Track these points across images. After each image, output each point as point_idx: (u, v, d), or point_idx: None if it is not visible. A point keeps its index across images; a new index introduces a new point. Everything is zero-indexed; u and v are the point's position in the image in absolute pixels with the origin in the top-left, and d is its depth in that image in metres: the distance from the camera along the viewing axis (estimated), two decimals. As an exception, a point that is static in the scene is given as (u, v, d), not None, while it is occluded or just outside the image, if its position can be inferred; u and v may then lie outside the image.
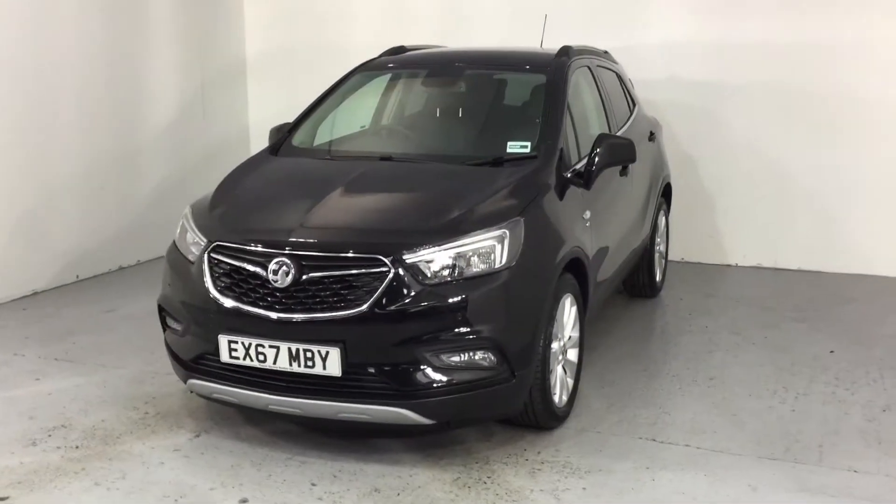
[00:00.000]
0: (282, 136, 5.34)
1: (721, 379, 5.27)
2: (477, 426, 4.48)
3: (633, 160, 5.14)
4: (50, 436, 4.49)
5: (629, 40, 7.85)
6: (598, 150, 4.96)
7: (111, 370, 5.39)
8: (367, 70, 5.76)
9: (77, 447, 4.37)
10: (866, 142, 7.53)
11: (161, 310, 4.58)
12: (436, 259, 4.00)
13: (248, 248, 4.16)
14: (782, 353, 5.73)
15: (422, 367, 3.96)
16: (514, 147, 4.86)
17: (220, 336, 4.10)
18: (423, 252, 4.00)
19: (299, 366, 3.98)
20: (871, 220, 7.61)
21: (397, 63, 5.83)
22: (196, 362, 4.31)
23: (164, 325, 4.60)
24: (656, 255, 6.84)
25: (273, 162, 5.11)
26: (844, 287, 7.35)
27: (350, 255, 4.01)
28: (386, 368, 3.97)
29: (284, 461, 4.22)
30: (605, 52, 6.56)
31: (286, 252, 4.04)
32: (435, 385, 3.98)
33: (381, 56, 5.91)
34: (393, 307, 3.92)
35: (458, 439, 4.42)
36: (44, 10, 6.96)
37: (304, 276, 3.99)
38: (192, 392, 4.53)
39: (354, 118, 5.74)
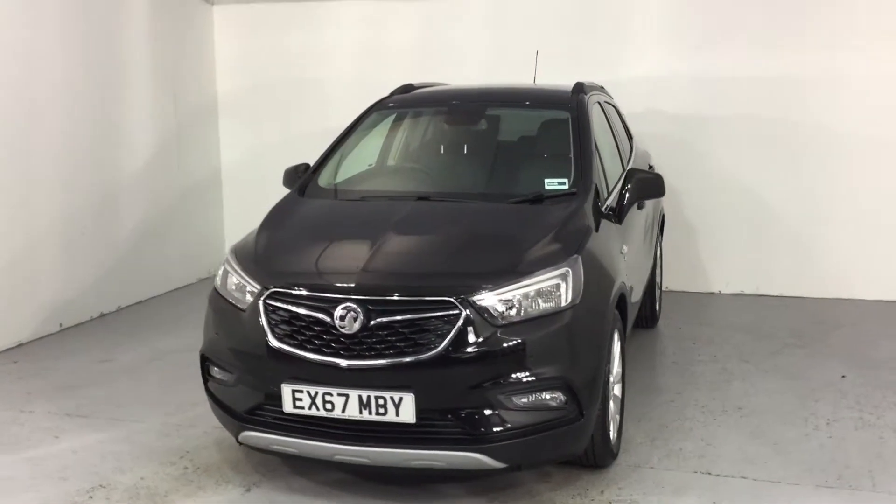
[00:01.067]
0: (306, 177, 5.24)
1: (749, 408, 5.33)
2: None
3: (662, 194, 5.20)
4: (91, 497, 4.29)
5: (611, 74, 7.96)
6: (629, 185, 5.01)
7: (130, 424, 5.18)
8: (384, 109, 5.72)
9: (125, 508, 4.18)
10: (840, 170, 7.79)
11: (205, 360, 4.42)
12: (504, 300, 3.96)
13: (310, 294, 4.05)
14: (796, 379, 5.83)
15: (494, 410, 3.91)
16: (552, 184, 4.87)
17: (283, 386, 3.98)
18: (491, 293, 3.96)
19: (370, 413, 3.89)
20: (847, 245, 7.85)
21: (415, 101, 5.81)
22: (252, 414, 4.17)
23: (207, 376, 4.44)
24: (656, 286, 6.92)
25: (307, 204, 5.01)
26: (828, 312, 7.55)
27: (420, 298, 3.94)
28: (459, 413, 3.91)
29: (349, 513, 4.11)
30: (602, 88, 6.65)
31: (353, 297, 3.96)
32: (507, 428, 3.93)
33: (392, 94, 5.88)
34: (465, 350, 3.87)
35: (517, 482, 4.37)
36: (23, 58, 6.73)
37: (373, 322, 3.91)
38: (241, 444, 4.37)
39: (376, 157, 5.68)
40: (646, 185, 5.06)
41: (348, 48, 8.81)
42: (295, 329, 4.03)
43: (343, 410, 3.92)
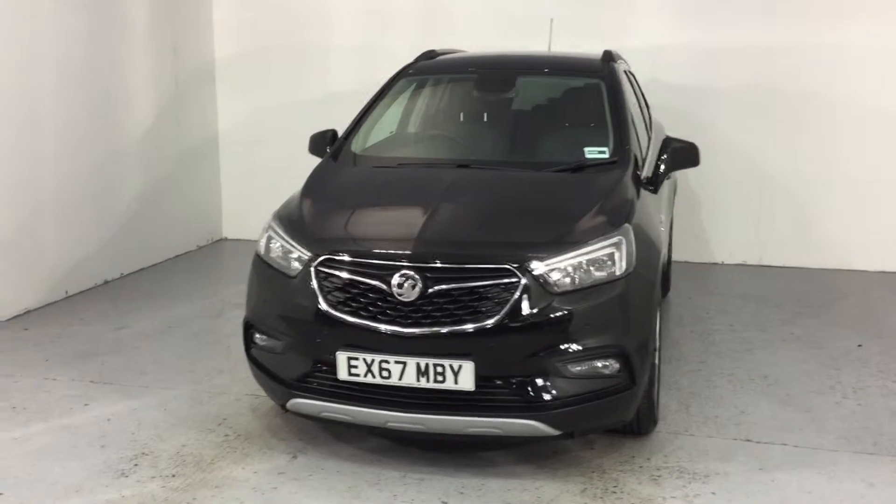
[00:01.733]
0: (339, 143, 5.17)
1: (775, 377, 5.40)
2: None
3: (697, 163, 5.20)
4: (136, 465, 4.24)
5: (614, 44, 7.92)
6: (664, 154, 5.01)
7: (160, 391, 5.12)
8: (413, 75, 5.65)
9: (173, 475, 4.13)
10: (841, 140, 7.87)
11: (249, 327, 4.37)
12: (560, 269, 3.96)
13: (366, 261, 4.02)
14: (815, 348, 5.91)
15: (551, 377, 3.91)
16: (593, 153, 4.87)
17: (338, 353, 3.95)
18: (548, 262, 3.95)
19: (428, 381, 3.87)
20: (846, 216, 7.96)
21: (445, 67, 5.75)
22: (302, 381, 4.13)
23: (250, 344, 4.39)
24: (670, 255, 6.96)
25: (345, 170, 4.95)
26: (832, 282, 7.66)
27: (479, 266, 3.93)
28: (517, 380, 3.91)
29: (400, 479, 4.10)
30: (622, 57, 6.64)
31: (411, 265, 3.92)
32: (563, 395, 3.94)
33: (417, 61, 5.81)
34: (524, 318, 3.87)
35: (562, 449, 4.39)
36: (24, 26, 6.56)
37: (430, 289, 3.89)
38: (286, 412, 4.33)
39: (406, 124, 5.62)
40: (682, 154, 5.06)
41: (351, 13, 8.70)
42: (350, 296, 3.99)
43: (400, 378, 3.90)
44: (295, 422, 4.58)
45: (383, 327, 3.91)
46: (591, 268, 4.01)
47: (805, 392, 5.16)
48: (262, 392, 4.64)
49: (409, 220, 4.27)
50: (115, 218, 7.62)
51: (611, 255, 4.05)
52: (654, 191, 4.97)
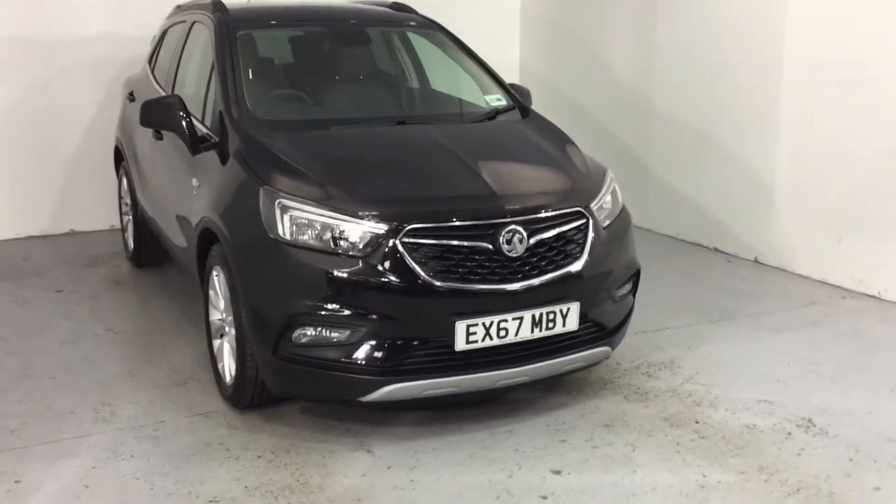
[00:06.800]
0: (236, 109, 4.54)
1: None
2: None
3: None
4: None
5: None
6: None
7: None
8: (238, 29, 5.05)
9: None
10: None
11: (296, 325, 3.82)
12: (600, 206, 4.31)
13: (465, 223, 3.87)
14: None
15: (610, 303, 4.28)
16: (492, 100, 5.11)
17: (456, 323, 3.79)
18: (595, 201, 4.28)
19: (540, 330, 3.96)
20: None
21: (266, 18, 5.31)
22: (398, 364, 3.83)
23: (288, 344, 3.85)
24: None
25: (300, 136, 4.45)
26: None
27: (562, 212, 4.08)
28: (599, 312, 4.19)
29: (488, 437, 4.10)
30: None
31: (515, 220, 3.92)
32: (618, 319, 4.35)
33: (222, 12, 5.20)
34: (600, 253, 4.15)
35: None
36: None
37: (532, 241, 3.95)
38: (362, 406, 3.96)
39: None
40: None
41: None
42: (452, 263, 3.83)
43: (516, 334, 3.91)
44: (306, 420, 4.19)
45: (494, 287, 3.86)
46: (610, 203, 4.42)
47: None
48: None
49: (460, 177, 4.16)
50: None
51: (615, 191, 4.51)
52: None
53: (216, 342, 4.48)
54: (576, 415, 4.30)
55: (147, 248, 6.44)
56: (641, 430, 4.14)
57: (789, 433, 4.12)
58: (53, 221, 7.61)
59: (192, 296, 5.82)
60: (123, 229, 6.86)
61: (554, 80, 8.73)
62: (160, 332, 5.39)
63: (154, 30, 6.98)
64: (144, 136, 5.72)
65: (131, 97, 6.34)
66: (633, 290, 4.52)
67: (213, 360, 4.52)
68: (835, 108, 6.07)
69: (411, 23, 5.56)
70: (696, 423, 4.21)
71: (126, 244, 6.83)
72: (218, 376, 4.48)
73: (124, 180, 6.63)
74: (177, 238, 5.17)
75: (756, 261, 6.78)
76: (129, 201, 6.58)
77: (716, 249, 7.12)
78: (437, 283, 3.78)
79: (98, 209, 7.67)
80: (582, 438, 4.07)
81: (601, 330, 4.23)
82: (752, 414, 4.30)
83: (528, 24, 9.22)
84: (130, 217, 6.57)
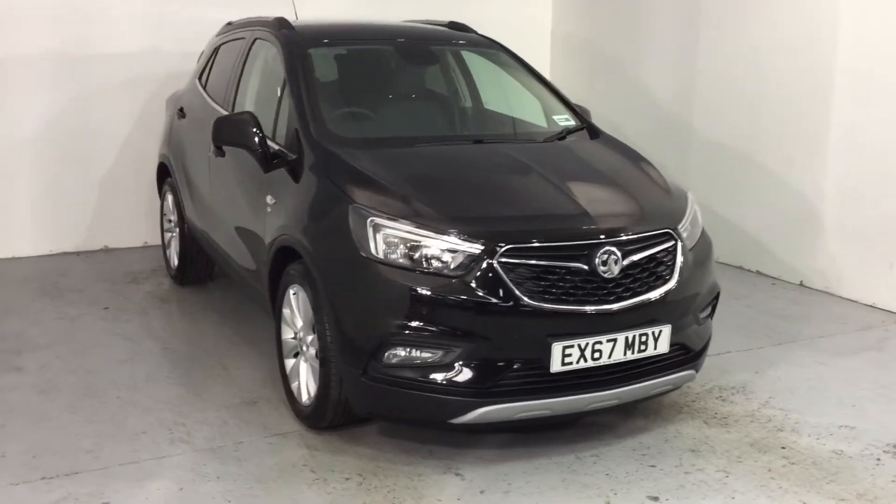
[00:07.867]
0: (314, 127, 4.49)
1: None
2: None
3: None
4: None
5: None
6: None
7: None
8: (305, 47, 5.01)
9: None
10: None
11: (390, 344, 3.75)
12: (686, 227, 4.27)
13: (562, 244, 3.83)
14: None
15: (694, 327, 4.23)
16: (561, 120, 5.08)
17: (553, 345, 3.73)
18: (683, 222, 4.25)
19: (633, 353, 3.90)
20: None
21: (337, 37, 5.29)
22: (492, 386, 3.77)
23: (380, 365, 3.79)
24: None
25: (388, 154, 4.42)
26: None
27: (653, 233, 4.04)
28: (686, 335, 4.14)
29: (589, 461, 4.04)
30: None
31: (609, 241, 3.87)
32: (702, 342, 4.30)
33: (289, 29, 5.16)
34: (688, 275, 4.11)
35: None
36: None
37: (626, 262, 3.91)
38: (453, 428, 3.90)
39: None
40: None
41: None
42: (549, 283, 3.78)
43: (610, 356, 3.85)
44: (387, 443, 4.12)
45: (589, 308, 3.81)
46: (694, 225, 4.39)
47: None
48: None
49: (550, 197, 4.12)
50: None
51: (696, 212, 4.47)
52: None
53: (289, 361, 4.41)
54: (659, 439, 4.24)
55: (192, 266, 6.35)
56: (730, 455, 4.09)
57: (878, 459, 4.07)
58: (88, 237, 7.50)
59: (246, 314, 5.79)
60: (166, 246, 6.76)
61: (585, 100, 8.67)
62: (217, 352, 5.29)
63: (193, 46, 6.94)
64: (199, 152, 5.65)
65: (181, 113, 6.27)
66: (712, 314, 4.47)
67: (285, 379, 4.44)
68: (887, 128, 6.07)
69: (473, 42, 5.52)
70: (783, 448, 4.16)
71: (168, 261, 6.73)
72: (290, 396, 4.40)
73: (169, 197, 6.54)
74: (239, 255, 5.10)
75: (802, 284, 6.75)
76: (172, 218, 6.49)
77: (758, 272, 7.09)
78: (535, 304, 3.73)
79: (133, 226, 7.58)
80: (671, 464, 4.01)
81: (687, 353, 4.18)
82: (837, 440, 4.26)
83: (558, 43, 9.21)
84: (174, 234, 6.48)
